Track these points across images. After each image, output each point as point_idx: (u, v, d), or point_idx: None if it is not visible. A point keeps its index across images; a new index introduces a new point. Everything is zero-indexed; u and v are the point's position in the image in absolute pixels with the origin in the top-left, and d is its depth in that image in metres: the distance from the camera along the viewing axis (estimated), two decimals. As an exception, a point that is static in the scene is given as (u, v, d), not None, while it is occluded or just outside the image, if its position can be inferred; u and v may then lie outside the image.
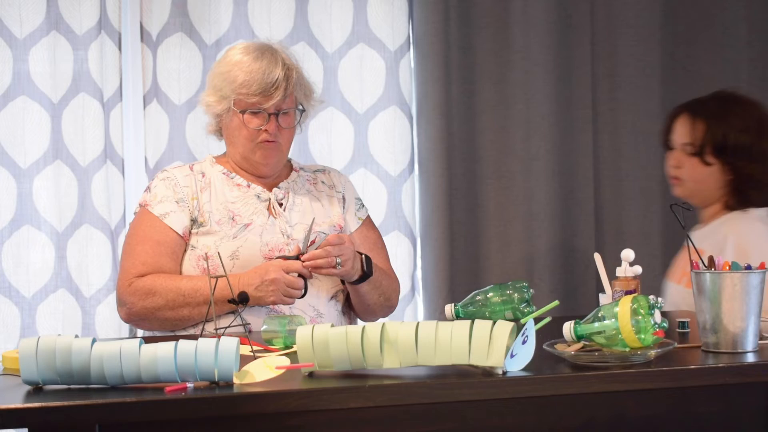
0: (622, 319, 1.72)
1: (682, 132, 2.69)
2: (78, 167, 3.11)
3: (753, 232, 2.59)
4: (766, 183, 2.66)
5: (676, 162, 2.71)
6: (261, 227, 2.46)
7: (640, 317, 1.72)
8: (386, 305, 2.59)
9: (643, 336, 1.72)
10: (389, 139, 3.31)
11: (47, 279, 3.10)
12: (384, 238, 2.92)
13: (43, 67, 3.09)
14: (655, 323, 1.72)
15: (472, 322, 1.68)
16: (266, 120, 2.46)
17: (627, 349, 1.73)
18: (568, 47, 3.43)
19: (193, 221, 2.46)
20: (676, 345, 1.80)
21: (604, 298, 2.32)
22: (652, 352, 1.74)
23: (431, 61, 3.31)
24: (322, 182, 2.63)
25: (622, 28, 3.47)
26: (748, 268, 1.83)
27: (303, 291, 2.35)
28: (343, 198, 2.63)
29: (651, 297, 1.75)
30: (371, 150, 3.31)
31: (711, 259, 1.89)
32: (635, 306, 1.72)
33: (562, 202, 3.41)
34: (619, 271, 2.19)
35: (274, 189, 2.55)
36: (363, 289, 2.49)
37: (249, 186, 2.52)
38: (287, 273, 2.32)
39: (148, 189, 2.53)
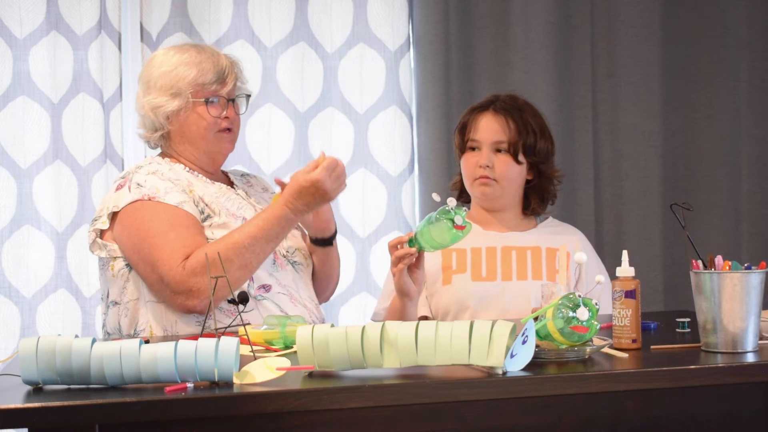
0: (550, 317, 1.75)
1: (493, 129, 2.61)
2: (78, 167, 3.10)
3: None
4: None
5: (487, 160, 2.59)
6: None
7: (562, 315, 1.74)
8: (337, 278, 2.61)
9: (567, 332, 1.74)
10: (389, 139, 3.31)
11: (47, 279, 3.10)
12: (384, 238, 2.91)
13: (43, 67, 3.09)
14: (579, 320, 1.73)
15: (472, 322, 1.68)
16: (224, 107, 2.40)
17: (562, 346, 1.76)
18: (568, 47, 3.43)
19: (200, 213, 2.33)
20: (612, 343, 1.84)
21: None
22: (588, 349, 1.78)
23: (431, 61, 3.32)
24: (258, 185, 2.58)
25: (622, 28, 3.47)
26: (748, 267, 1.83)
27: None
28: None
29: (578, 294, 1.77)
30: (371, 150, 3.31)
31: (711, 258, 1.88)
32: (559, 304, 1.75)
33: (562, 202, 3.40)
34: (619, 271, 2.18)
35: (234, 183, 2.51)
36: (334, 254, 2.50)
37: (213, 183, 2.42)
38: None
39: (137, 185, 2.29)
